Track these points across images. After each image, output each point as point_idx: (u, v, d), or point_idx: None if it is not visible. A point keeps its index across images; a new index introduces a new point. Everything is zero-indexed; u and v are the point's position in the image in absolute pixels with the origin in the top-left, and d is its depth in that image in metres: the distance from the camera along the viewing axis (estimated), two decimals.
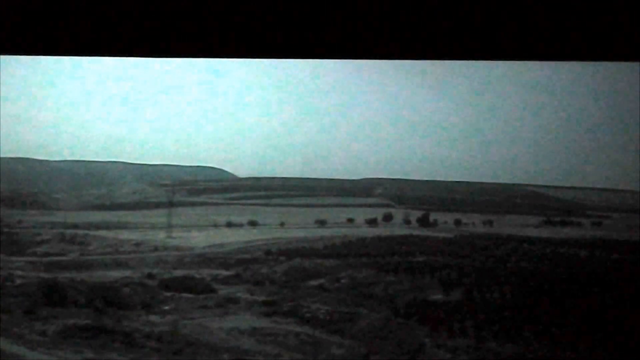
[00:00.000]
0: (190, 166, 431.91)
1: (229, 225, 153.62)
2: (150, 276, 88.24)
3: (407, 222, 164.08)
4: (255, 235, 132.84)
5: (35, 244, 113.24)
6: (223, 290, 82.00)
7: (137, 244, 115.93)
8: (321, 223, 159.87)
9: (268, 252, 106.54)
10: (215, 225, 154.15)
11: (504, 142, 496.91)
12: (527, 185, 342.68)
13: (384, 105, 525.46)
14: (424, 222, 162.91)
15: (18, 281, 79.17)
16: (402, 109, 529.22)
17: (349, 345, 60.68)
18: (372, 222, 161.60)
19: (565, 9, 7.24)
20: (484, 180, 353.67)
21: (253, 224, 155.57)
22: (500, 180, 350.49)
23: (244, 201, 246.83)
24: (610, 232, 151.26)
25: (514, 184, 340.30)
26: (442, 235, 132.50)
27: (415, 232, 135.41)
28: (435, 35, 7.30)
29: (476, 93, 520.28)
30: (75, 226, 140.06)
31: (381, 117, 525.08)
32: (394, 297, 76.24)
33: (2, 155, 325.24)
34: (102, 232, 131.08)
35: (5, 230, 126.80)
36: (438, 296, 76.00)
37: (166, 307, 73.10)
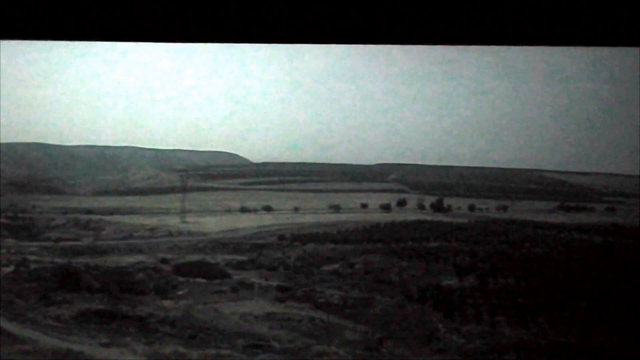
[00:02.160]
0: (204, 151, 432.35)
1: (243, 210, 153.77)
2: (164, 261, 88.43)
3: (421, 207, 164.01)
4: (269, 220, 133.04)
5: (49, 229, 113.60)
6: (237, 276, 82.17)
7: (151, 229, 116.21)
8: (335, 208, 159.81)
9: (282, 237, 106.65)
10: (229, 211, 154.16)
11: (519, 128, 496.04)
12: (541, 170, 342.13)
13: (398, 91, 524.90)
14: (438, 207, 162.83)
15: (32, 266, 79.49)
16: (415, 94, 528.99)
17: (362, 331, 60.75)
18: (386, 208, 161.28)
19: None
20: (498, 165, 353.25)
21: (267, 209, 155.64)
22: (515, 166, 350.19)
23: (257, 186, 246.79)
24: (624, 217, 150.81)
25: (528, 169, 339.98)
26: (456, 220, 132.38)
27: (429, 218, 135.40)
28: (447, 21, 7.24)
29: (491, 79, 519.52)
30: (89, 211, 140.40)
31: (395, 102, 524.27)
32: (408, 282, 76.29)
33: (16, 141, 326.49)
34: (116, 217, 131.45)
35: (20, 215, 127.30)
36: (452, 281, 76.01)
37: (180, 292, 73.32)
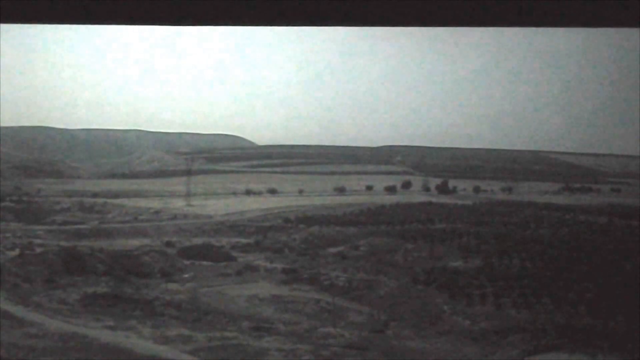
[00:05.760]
0: (209, 134, 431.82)
1: (248, 193, 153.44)
2: (169, 244, 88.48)
3: (426, 189, 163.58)
4: (274, 203, 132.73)
5: (54, 213, 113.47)
6: (242, 258, 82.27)
7: (156, 212, 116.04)
8: (340, 191, 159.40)
9: (287, 220, 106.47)
10: (234, 193, 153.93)
11: (524, 109, 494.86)
12: (546, 151, 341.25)
13: (404, 73, 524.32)
14: (443, 189, 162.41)
15: (38, 250, 79.52)
16: (420, 76, 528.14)
17: (368, 312, 60.86)
18: (391, 190, 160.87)
19: None
20: (503, 147, 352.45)
21: (272, 191, 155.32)
22: (520, 147, 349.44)
23: (262, 169, 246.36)
24: (629, 198, 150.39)
25: (533, 151, 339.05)
26: (461, 202, 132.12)
27: (435, 200, 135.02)
28: (452, 3, 7.14)
29: (495, 61, 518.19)
30: (95, 195, 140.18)
31: (400, 85, 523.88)
32: (413, 264, 76.25)
33: (21, 124, 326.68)
34: (121, 201, 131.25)
35: (25, 199, 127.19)
36: (457, 263, 75.92)
37: (186, 275, 73.44)
